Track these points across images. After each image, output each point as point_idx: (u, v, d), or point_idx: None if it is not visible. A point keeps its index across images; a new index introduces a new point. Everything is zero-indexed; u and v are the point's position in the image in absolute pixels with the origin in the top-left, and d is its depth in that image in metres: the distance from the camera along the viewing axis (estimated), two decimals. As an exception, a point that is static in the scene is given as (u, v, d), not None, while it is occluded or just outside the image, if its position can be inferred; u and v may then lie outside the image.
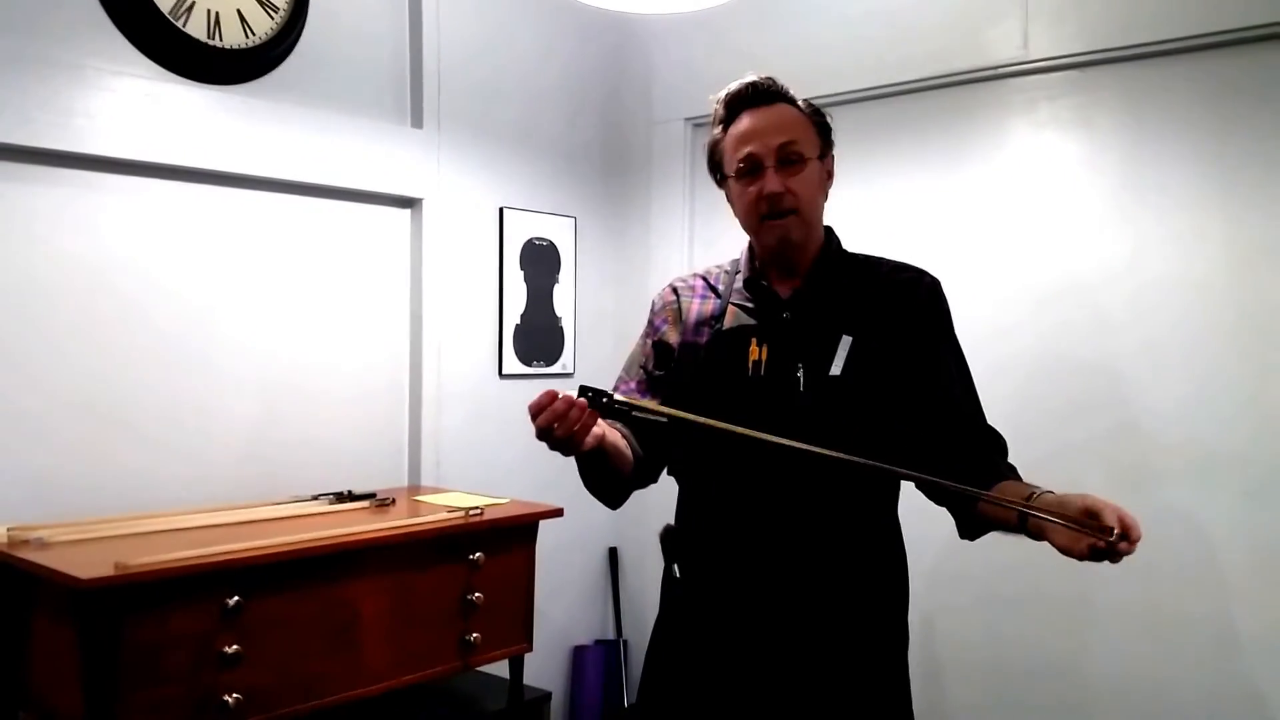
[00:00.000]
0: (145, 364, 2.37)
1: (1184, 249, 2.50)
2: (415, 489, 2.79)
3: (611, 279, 3.57)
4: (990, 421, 1.76)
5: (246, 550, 1.88)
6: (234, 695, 1.84)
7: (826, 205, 1.80)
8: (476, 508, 2.31)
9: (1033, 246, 2.74)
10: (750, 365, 1.70)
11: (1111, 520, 1.38)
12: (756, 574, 1.69)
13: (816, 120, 1.76)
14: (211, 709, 1.82)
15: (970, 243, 2.85)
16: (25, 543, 1.90)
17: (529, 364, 3.25)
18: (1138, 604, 2.54)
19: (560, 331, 3.36)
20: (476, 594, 2.26)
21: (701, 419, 1.50)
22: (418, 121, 2.93)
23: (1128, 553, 1.38)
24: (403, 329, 2.94)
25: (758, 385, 1.69)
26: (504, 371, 3.16)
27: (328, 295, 2.74)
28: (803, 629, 1.67)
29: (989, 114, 2.81)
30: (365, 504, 2.40)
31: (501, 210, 3.17)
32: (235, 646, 1.84)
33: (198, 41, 2.40)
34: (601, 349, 3.49)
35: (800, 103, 1.77)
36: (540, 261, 3.28)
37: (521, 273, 3.22)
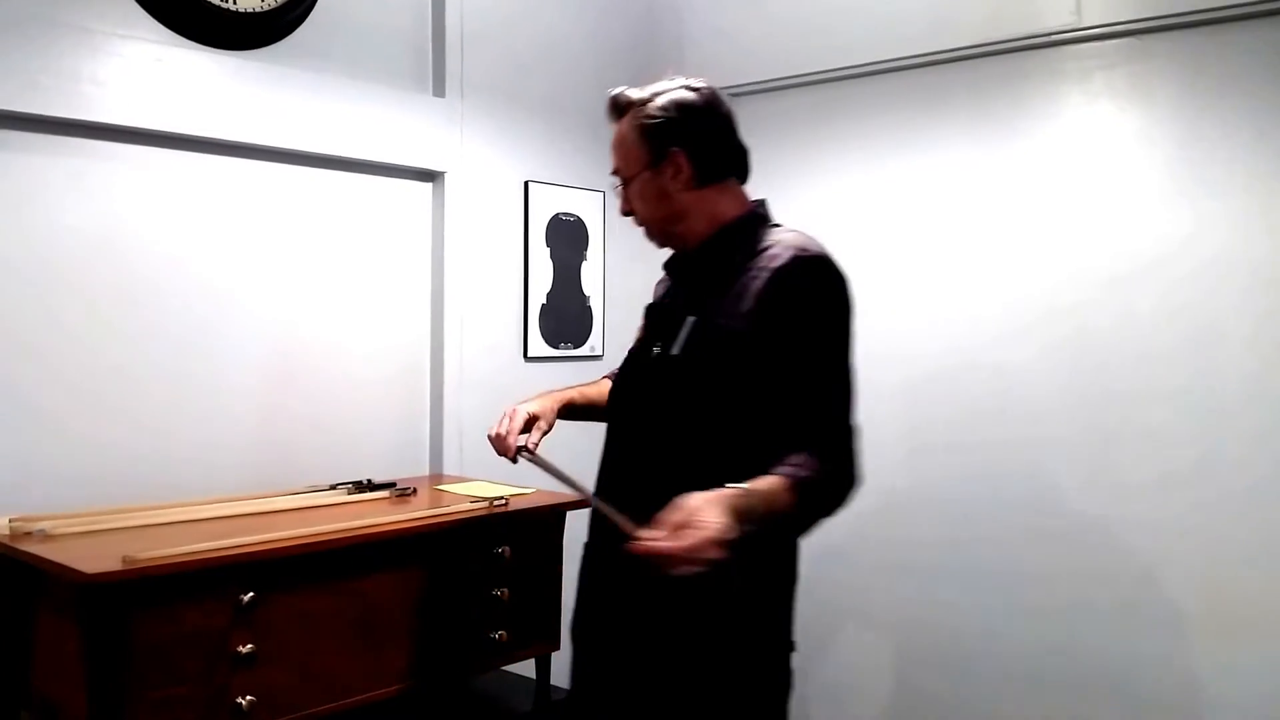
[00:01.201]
0: (154, 345, 2.32)
1: (1245, 227, 2.45)
2: (437, 478, 2.74)
3: (642, 256, 3.44)
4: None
5: (262, 543, 1.84)
6: (248, 697, 1.79)
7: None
8: (501, 498, 2.27)
9: (1085, 224, 2.69)
10: (636, 344, 1.93)
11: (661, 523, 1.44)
12: (597, 548, 1.89)
13: (645, 122, 1.79)
14: (224, 711, 1.78)
15: (1019, 220, 2.80)
16: (28, 534, 1.86)
17: (555, 346, 3.19)
18: (1198, 604, 2.50)
19: (588, 311, 3.30)
20: (501, 589, 2.21)
21: (566, 479, 1.78)
22: (439, 90, 2.87)
23: (664, 551, 1.40)
24: (423, 309, 2.89)
25: (628, 363, 1.92)
26: (529, 354, 3.11)
27: (345, 273, 2.69)
28: (621, 601, 1.78)
29: (1040, 84, 2.76)
30: (385, 494, 2.35)
31: (527, 184, 3.10)
32: (249, 645, 1.80)
33: (211, 4, 2.34)
34: (631, 330, 3.40)
35: (641, 98, 1.81)
36: (567, 238, 3.22)
37: (547, 250, 3.16)
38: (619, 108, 1.84)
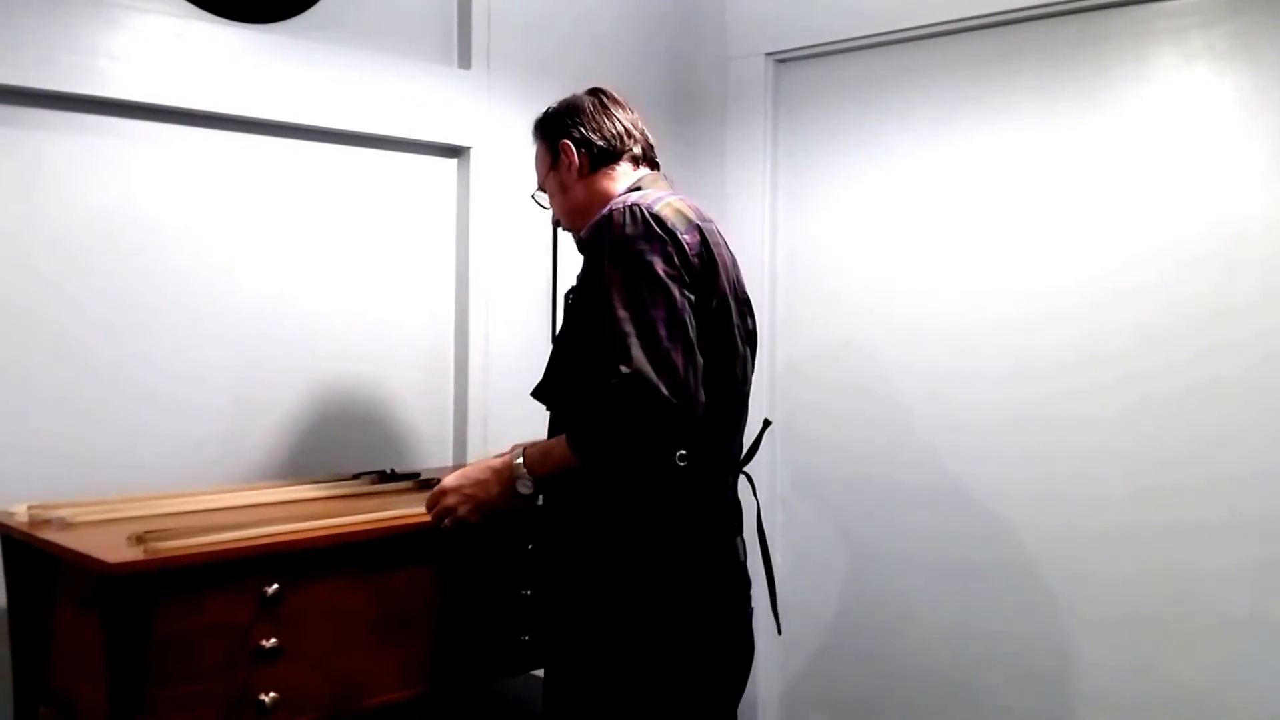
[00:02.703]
0: (172, 327, 2.34)
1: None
2: (461, 467, 2.74)
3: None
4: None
5: (288, 534, 1.85)
6: (271, 693, 1.80)
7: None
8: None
9: (1179, 199, 2.59)
10: None
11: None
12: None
13: (543, 132, 2.08)
14: (247, 708, 1.79)
15: (1105, 194, 2.70)
16: (47, 522, 1.89)
17: (584, 330, 3.18)
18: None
19: (618, 294, 3.29)
20: (530, 589, 2.21)
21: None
22: (465, 62, 2.86)
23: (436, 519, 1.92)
24: (447, 291, 2.89)
25: None
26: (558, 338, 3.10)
27: (367, 253, 2.70)
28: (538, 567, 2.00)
29: (1127, 45, 2.65)
30: (409, 484, 2.35)
31: (556, 161, 3.09)
32: (273, 640, 1.81)
33: (230, -25, 2.35)
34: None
35: (536, 121, 2.11)
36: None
37: (579, 230, 3.15)
38: (536, 130, 2.11)
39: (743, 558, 1.93)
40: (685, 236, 1.79)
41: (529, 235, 3.04)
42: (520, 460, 1.84)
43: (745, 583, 1.93)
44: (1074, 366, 2.75)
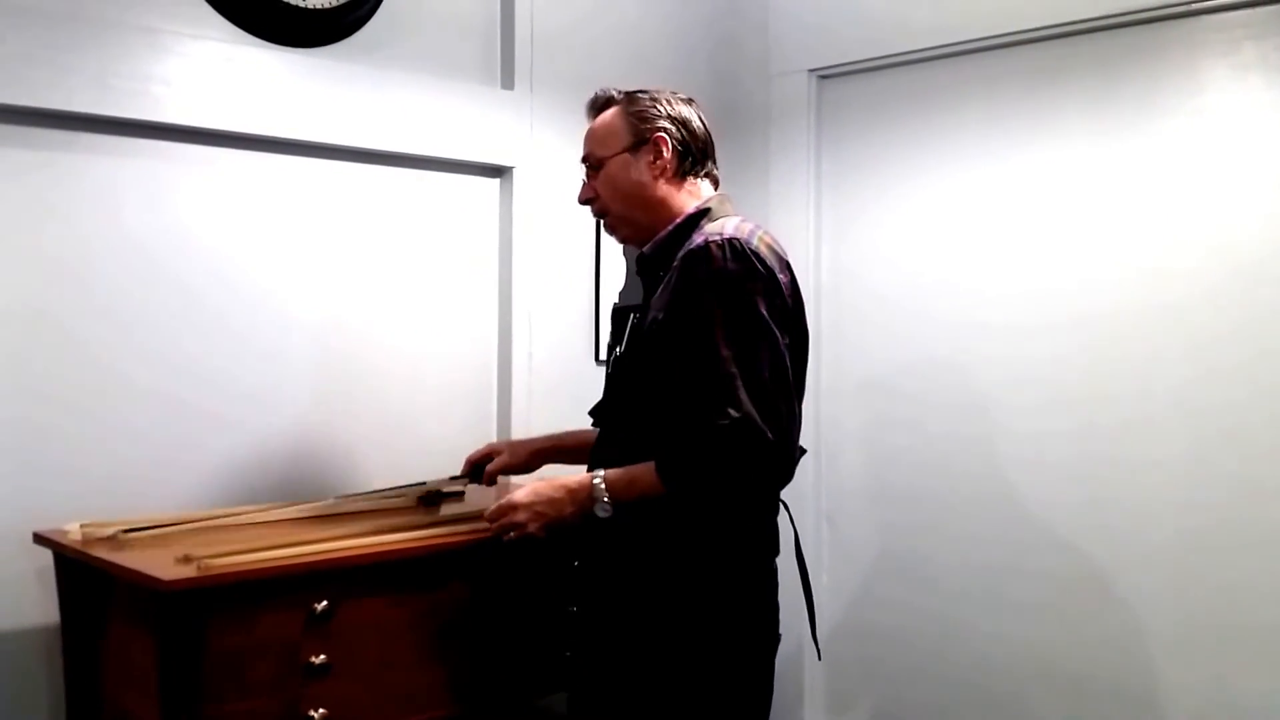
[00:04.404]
0: (222, 346, 2.41)
1: None
2: (505, 486, 2.78)
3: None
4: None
5: (339, 551, 1.90)
6: (320, 710, 1.85)
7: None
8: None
9: (1232, 211, 2.58)
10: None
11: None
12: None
13: (631, 109, 1.96)
14: (297, 723, 1.84)
15: (1157, 207, 2.69)
16: (100, 540, 1.94)
17: (627, 349, 3.22)
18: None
19: (661, 313, 3.32)
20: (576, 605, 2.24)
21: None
22: (508, 83, 2.92)
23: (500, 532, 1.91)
24: (491, 310, 2.94)
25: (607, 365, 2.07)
26: (601, 357, 3.14)
27: (411, 273, 2.76)
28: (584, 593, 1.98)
29: (1179, 58, 2.65)
30: (456, 501, 2.40)
31: (598, 179, 3.14)
32: (323, 656, 1.85)
33: (280, 2, 2.42)
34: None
35: (626, 97, 1.99)
36: (640, 236, 3.24)
37: (620, 247, 3.19)
38: (603, 103, 2.02)
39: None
40: (781, 276, 1.82)
41: (571, 254, 3.09)
42: (601, 483, 1.82)
43: (778, 607, 1.95)
44: (1124, 380, 2.75)
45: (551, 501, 1.87)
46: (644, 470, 1.80)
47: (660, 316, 1.82)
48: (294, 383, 2.52)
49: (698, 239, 1.83)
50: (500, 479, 2.31)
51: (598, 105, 2.02)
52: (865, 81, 3.29)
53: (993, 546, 2.99)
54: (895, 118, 3.22)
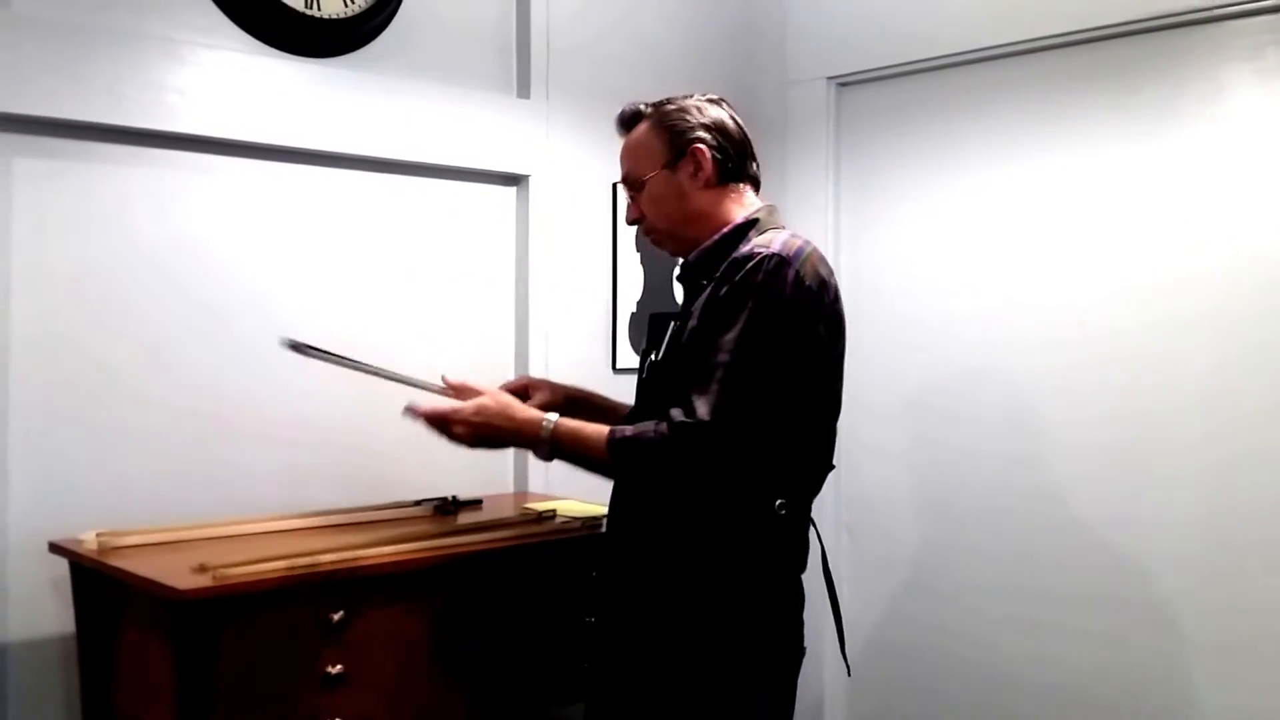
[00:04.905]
0: (236, 356, 2.41)
1: None
2: (522, 496, 2.78)
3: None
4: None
5: (354, 560, 1.89)
6: (337, 720, 1.85)
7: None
8: (595, 518, 2.27)
9: (1258, 217, 2.56)
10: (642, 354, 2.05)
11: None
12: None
13: (664, 124, 1.92)
14: (313, 734, 1.83)
15: (1182, 213, 2.67)
16: (116, 549, 1.95)
17: (645, 357, 3.21)
18: None
19: (679, 321, 3.32)
20: (594, 616, 2.23)
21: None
22: (524, 91, 2.93)
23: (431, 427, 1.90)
24: (507, 318, 2.94)
25: (639, 373, 2.02)
26: (618, 365, 3.14)
27: (428, 281, 2.76)
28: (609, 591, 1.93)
29: (1203, 64, 2.64)
30: (472, 511, 2.40)
31: (615, 186, 3.13)
32: (339, 667, 1.85)
33: (295, 12, 2.43)
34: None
35: (658, 109, 1.95)
36: (658, 244, 3.24)
37: (638, 255, 3.18)
38: (631, 118, 1.98)
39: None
40: (827, 300, 1.80)
41: (588, 262, 3.09)
42: (550, 427, 1.82)
43: (803, 622, 1.92)
44: (1149, 390, 2.72)
45: (495, 429, 1.87)
46: (595, 432, 1.80)
47: (695, 323, 1.81)
48: (309, 391, 2.52)
49: (744, 249, 1.80)
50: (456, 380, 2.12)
51: (626, 120, 1.99)
52: (885, 88, 3.28)
53: (1017, 551, 2.97)
54: (915, 125, 3.21)
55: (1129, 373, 2.76)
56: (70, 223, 2.20)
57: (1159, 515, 2.70)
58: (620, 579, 1.91)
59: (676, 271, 2.04)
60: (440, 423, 1.89)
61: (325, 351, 2.06)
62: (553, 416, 1.84)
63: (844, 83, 3.36)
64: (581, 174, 3.06)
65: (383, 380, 2.64)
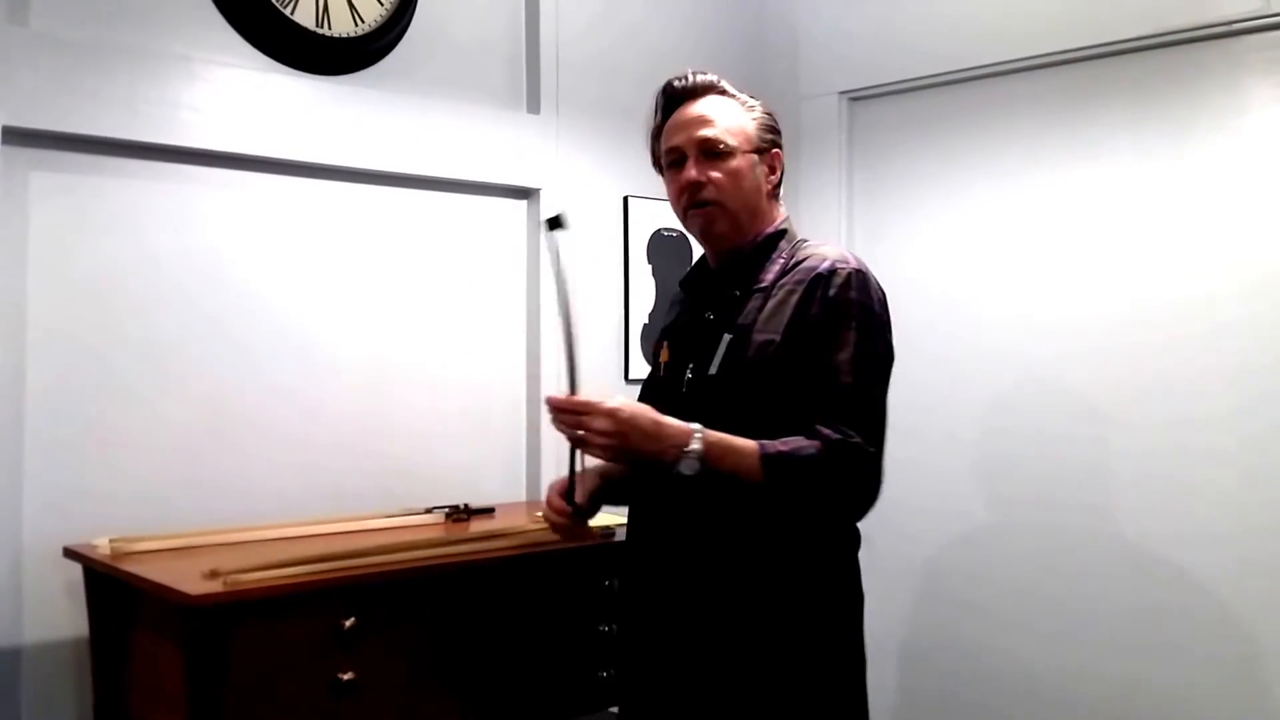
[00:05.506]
0: (248, 370, 2.44)
1: None
2: (535, 504, 2.79)
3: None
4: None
5: (365, 566, 1.91)
6: (348, 726, 1.85)
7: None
8: (609, 528, 2.27)
9: (1276, 232, 2.54)
10: (661, 368, 1.97)
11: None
12: (640, 572, 1.92)
13: (756, 115, 1.92)
14: (325, 741, 1.84)
15: (1200, 228, 2.66)
16: (129, 555, 1.97)
17: (657, 369, 3.23)
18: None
19: (691, 333, 3.33)
20: (609, 624, 2.23)
21: None
22: (534, 106, 2.95)
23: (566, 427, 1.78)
24: (519, 329, 2.96)
25: (660, 387, 1.95)
26: (630, 375, 3.15)
27: (440, 294, 2.79)
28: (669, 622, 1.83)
29: (1220, 79, 2.63)
30: (485, 519, 2.41)
31: (626, 199, 3.16)
32: (350, 674, 1.86)
33: (306, 30, 2.47)
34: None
35: (738, 95, 1.93)
36: (670, 254, 3.26)
37: (649, 267, 3.21)
38: (703, 87, 1.94)
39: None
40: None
41: (600, 275, 3.11)
42: (700, 439, 1.68)
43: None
44: (1165, 401, 2.71)
45: (644, 435, 1.69)
46: (745, 444, 1.69)
47: (777, 339, 1.77)
48: (321, 405, 2.55)
49: (813, 263, 1.81)
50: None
51: (697, 90, 1.94)
52: (897, 103, 3.29)
53: (1037, 558, 2.95)
54: (927, 140, 3.21)
55: (1143, 382, 2.74)
56: (86, 236, 2.24)
57: (1184, 527, 2.68)
58: (690, 589, 1.82)
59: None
60: (576, 415, 1.76)
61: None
62: (700, 428, 1.70)
63: (856, 97, 3.36)
64: (592, 187, 3.08)
65: (413, 386, 2.69)
